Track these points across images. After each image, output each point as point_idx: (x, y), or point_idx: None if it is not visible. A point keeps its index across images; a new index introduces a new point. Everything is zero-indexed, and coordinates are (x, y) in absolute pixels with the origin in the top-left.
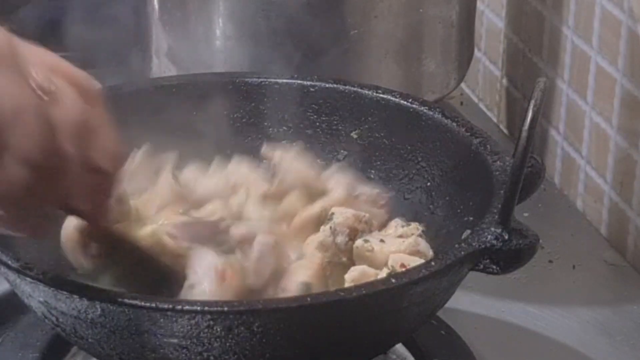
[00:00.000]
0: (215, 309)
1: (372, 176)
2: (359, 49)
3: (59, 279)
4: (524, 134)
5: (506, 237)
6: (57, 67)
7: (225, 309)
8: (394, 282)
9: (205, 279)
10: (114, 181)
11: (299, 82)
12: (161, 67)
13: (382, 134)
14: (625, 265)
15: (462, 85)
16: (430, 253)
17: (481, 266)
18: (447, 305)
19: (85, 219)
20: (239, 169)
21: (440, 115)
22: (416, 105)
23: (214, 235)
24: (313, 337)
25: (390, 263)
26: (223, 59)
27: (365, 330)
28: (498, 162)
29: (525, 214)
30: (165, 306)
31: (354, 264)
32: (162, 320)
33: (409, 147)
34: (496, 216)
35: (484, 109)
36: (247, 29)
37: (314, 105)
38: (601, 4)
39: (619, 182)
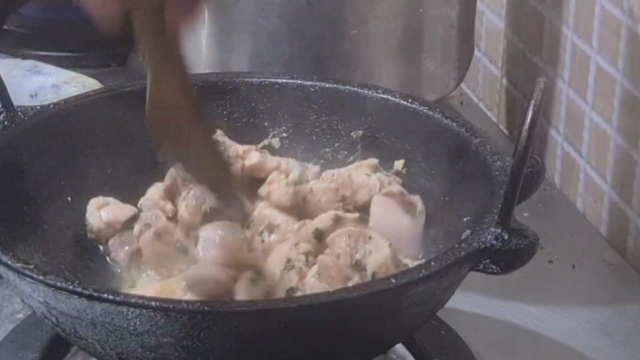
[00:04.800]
0: (215, 309)
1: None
2: (359, 49)
3: (59, 279)
4: (524, 134)
5: (506, 237)
6: None
7: (226, 309)
8: (394, 282)
9: None
10: None
11: (299, 82)
12: None
13: (382, 134)
14: (625, 265)
15: (462, 85)
16: None
17: (481, 266)
18: (447, 305)
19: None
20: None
21: (440, 115)
22: (416, 105)
23: None
24: (313, 337)
25: None
26: (223, 59)
27: (365, 330)
28: (498, 162)
29: (525, 214)
30: (165, 306)
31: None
32: (162, 320)
33: (408, 147)
34: (496, 216)
35: (484, 109)
36: (247, 29)
37: (314, 105)
38: (601, 4)
39: (619, 182)
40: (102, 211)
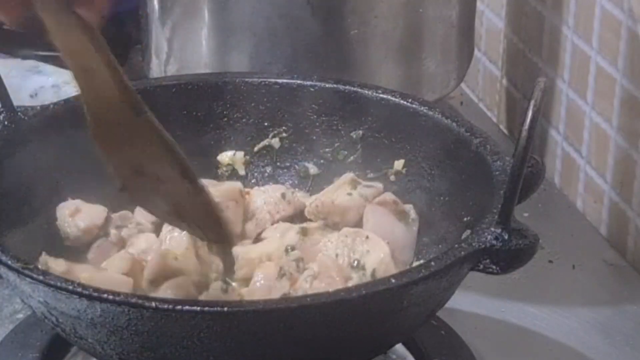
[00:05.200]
0: (215, 309)
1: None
2: (359, 49)
3: (59, 279)
4: (524, 134)
5: (506, 237)
6: None
7: (225, 309)
8: (394, 282)
9: None
10: None
11: (299, 82)
12: (161, 67)
13: (382, 134)
14: (625, 265)
15: (462, 85)
16: None
17: (481, 266)
18: (447, 305)
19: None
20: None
21: (440, 115)
22: (416, 105)
23: None
24: (313, 337)
25: None
26: (222, 59)
27: (365, 330)
28: (498, 162)
29: (525, 214)
30: (166, 306)
31: None
32: (162, 320)
33: (408, 147)
34: (496, 216)
35: (484, 109)
36: (247, 29)
37: (314, 105)
38: (601, 4)
39: (619, 182)
40: (76, 218)
